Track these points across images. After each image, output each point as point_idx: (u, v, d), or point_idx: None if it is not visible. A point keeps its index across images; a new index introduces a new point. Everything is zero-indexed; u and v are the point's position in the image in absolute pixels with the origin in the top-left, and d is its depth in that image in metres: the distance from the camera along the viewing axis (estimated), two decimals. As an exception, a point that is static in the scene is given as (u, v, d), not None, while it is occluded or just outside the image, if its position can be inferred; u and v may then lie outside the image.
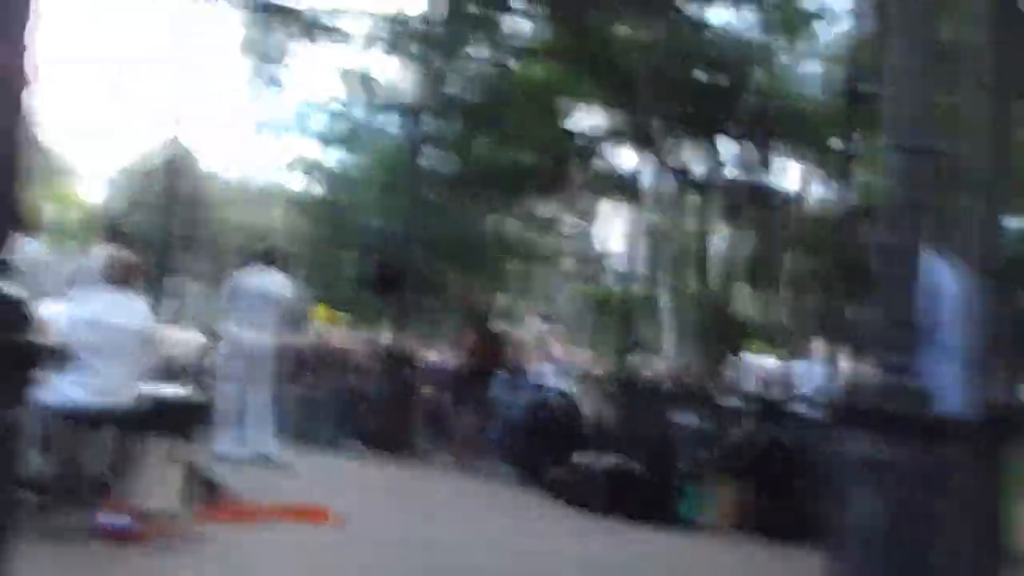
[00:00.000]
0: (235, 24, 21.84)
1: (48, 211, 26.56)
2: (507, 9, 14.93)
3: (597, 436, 10.22)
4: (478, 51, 19.67)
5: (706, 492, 8.88)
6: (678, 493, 8.83)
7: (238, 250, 11.54)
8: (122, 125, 75.95)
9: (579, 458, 9.42)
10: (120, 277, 6.97)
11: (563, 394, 11.79)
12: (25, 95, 2.89)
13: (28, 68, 2.88)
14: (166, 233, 14.23)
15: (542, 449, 10.15)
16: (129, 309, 6.86)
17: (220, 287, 10.80)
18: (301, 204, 28.93)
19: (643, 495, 8.69)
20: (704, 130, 18.98)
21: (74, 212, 38.51)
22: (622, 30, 16.87)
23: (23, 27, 2.88)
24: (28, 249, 8.58)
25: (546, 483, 9.56)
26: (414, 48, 14.13)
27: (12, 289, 2.92)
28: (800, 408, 10.18)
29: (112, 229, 10.34)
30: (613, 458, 9.20)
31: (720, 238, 21.50)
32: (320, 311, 28.12)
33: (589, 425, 10.57)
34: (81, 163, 42.64)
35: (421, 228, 13.54)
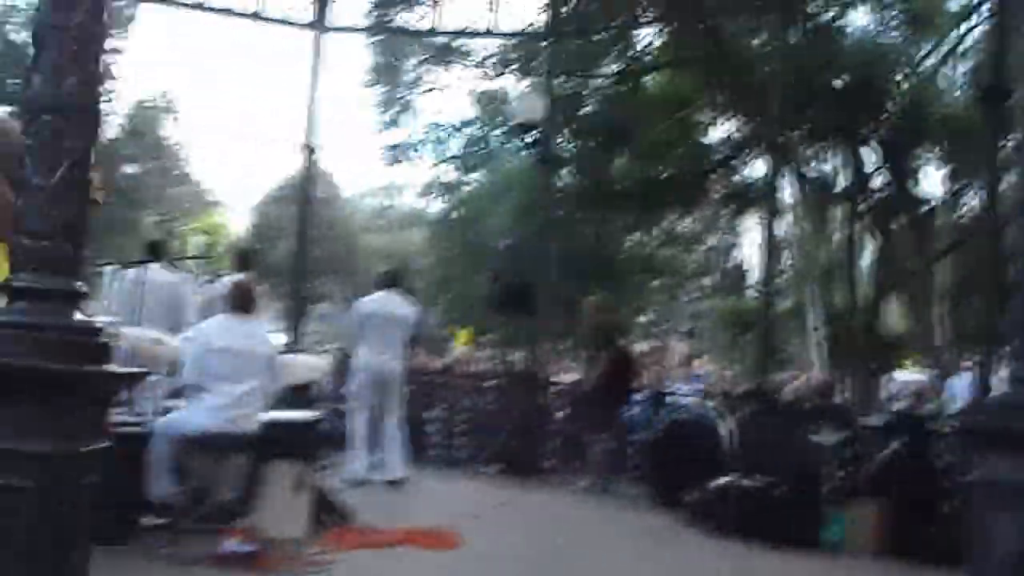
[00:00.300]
0: (366, 50, 22.05)
1: (197, 241, 27.36)
2: (636, 23, 14.71)
3: (736, 456, 9.83)
4: (608, 67, 19.51)
5: (850, 514, 8.43)
6: (821, 516, 8.41)
7: (367, 274, 11.59)
8: (263, 154, 78.09)
9: (717, 480, 9.08)
10: (243, 304, 7.01)
11: (700, 413, 11.46)
12: (98, 122, 2.79)
13: (100, 96, 2.78)
14: (303, 259, 14.32)
15: (678, 470, 9.80)
16: (253, 335, 6.90)
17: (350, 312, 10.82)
18: (437, 227, 29.08)
19: (784, 518, 8.29)
20: (845, 138, 18.41)
21: (221, 241, 39.61)
22: (755, 38, 16.50)
23: (96, 55, 2.79)
24: (161, 278, 8.77)
25: (683, 506, 9.24)
26: (543, 66, 13.99)
27: (87, 318, 2.81)
28: (950, 426, 9.63)
29: (241, 256, 10.47)
30: (753, 479, 8.83)
31: (865, 249, 20.83)
32: (457, 333, 28.26)
33: (727, 445, 10.17)
34: (227, 193, 43.83)
35: (553, 247, 13.39)
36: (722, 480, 9.02)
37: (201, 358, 6.68)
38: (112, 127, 32.81)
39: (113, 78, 31.85)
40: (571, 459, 11.64)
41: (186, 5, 13.25)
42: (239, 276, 9.61)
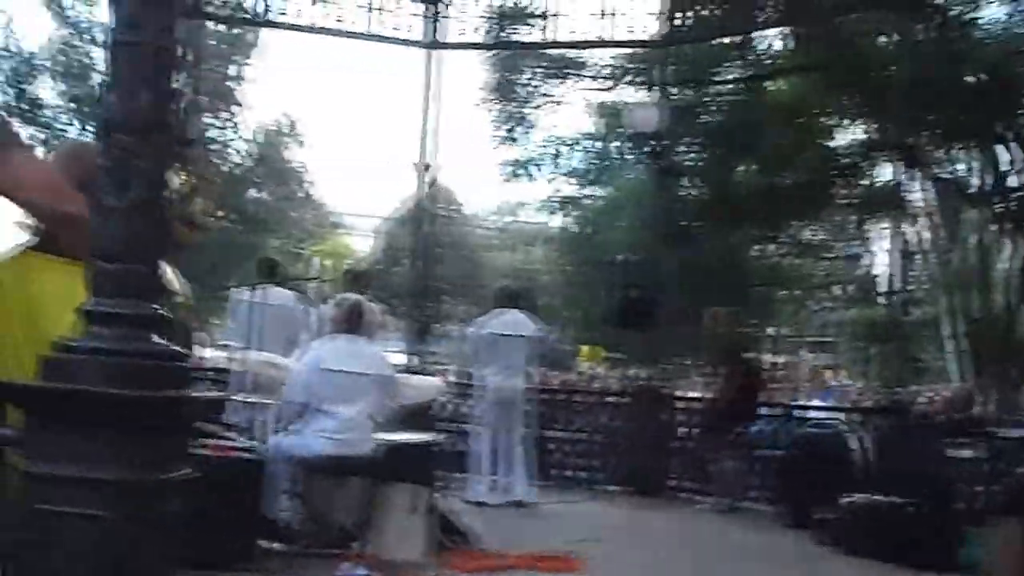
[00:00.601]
0: (480, 66, 21.97)
1: (319, 264, 27.68)
2: (755, 26, 14.32)
3: (869, 473, 9.40)
4: (728, 73, 19.10)
5: (990, 535, 7.93)
6: (959, 537, 7.93)
7: (491, 293, 11.46)
8: (385, 174, 79.24)
9: (850, 498, 8.66)
10: (354, 324, 6.94)
11: (831, 428, 11.05)
12: (172, 141, 2.66)
13: (174, 114, 2.65)
14: (425, 278, 14.30)
15: (809, 488, 9.41)
16: (364, 356, 6.82)
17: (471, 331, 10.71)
18: (559, 242, 28.90)
19: (920, 539, 7.85)
20: (978, 137, 17.65)
21: (346, 263, 40.13)
22: (880, 37, 15.94)
23: (169, 72, 2.67)
24: (276, 300, 8.76)
25: (814, 525, 8.85)
26: (660, 75, 13.72)
27: (166, 344, 2.69)
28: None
29: (354, 277, 10.44)
30: (887, 498, 8.40)
31: (1004, 253, 19.96)
32: (582, 349, 28.05)
33: (860, 461, 9.74)
34: (351, 214, 44.39)
35: (675, 260, 13.10)
36: (855, 498, 8.62)
37: (311, 380, 6.62)
38: (238, 153, 33.54)
39: (238, 104, 32.61)
40: (698, 477, 11.30)
41: (300, 28, 13.31)
42: (351, 296, 9.62)
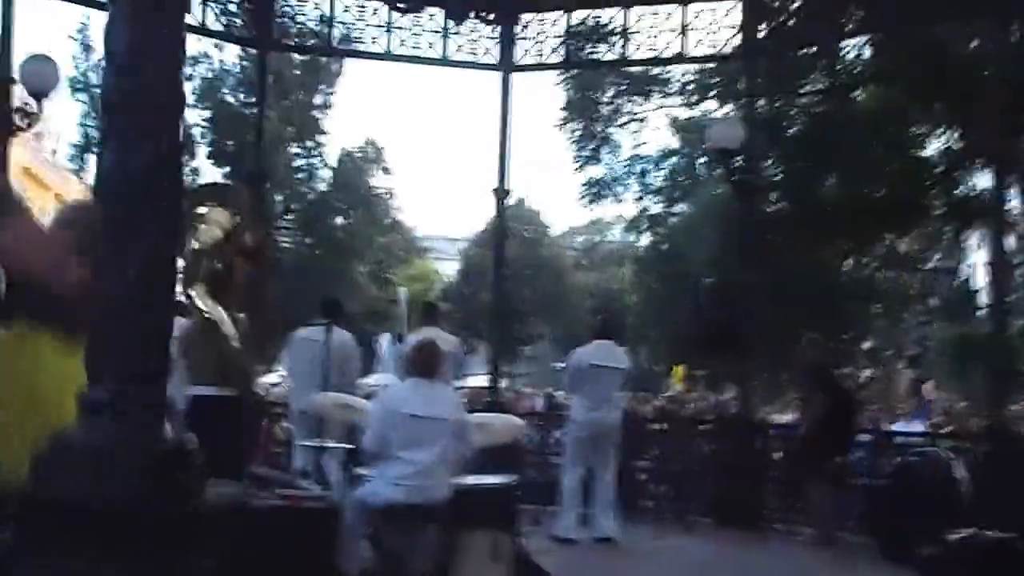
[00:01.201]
0: (559, 86, 21.83)
1: (407, 290, 27.68)
2: (837, 35, 13.88)
3: (976, 504, 8.90)
4: (813, 84, 18.63)
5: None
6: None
7: (577, 313, 11.22)
8: (467, 197, 79.64)
9: (955, 532, 8.18)
10: (427, 367, 6.74)
11: (933, 453, 10.54)
12: (179, 204, 2.39)
13: (180, 173, 2.40)
14: (510, 299, 14.09)
15: (910, 520, 8.93)
16: (438, 400, 6.60)
17: (565, 356, 10.49)
18: (644, 261, 28.53)
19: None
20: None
21: (431, 288, 40.22)
22: (971, 42, 15.40)
23: (173, 125, 2.41)
24: (336, 338, 8.58)
25: (917, 561, 8.36)
26: (742, 89, 13.36)
27: (178, 436, 2.41)
28: None
29: (427, 312, 10.27)
30: (997, 532, 7.91)
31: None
32: (675, 372, 27.58)
33: (966, 491, 9.24)
34: (436, 237, 44.52)
35: (762, 277, 12.71)
36: (962, 532, 8.13)
37: (384, 425, 6.43)
38: (324, 181, 33.82)
39: (324, 132, 32.89)
40: (793, 508, 10.88)
41: (378, 56, 13.25)
42: (427, 338, 9.41)
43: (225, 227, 7.84)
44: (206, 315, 7.45)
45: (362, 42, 13.20)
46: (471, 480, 6.82)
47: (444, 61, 13.01)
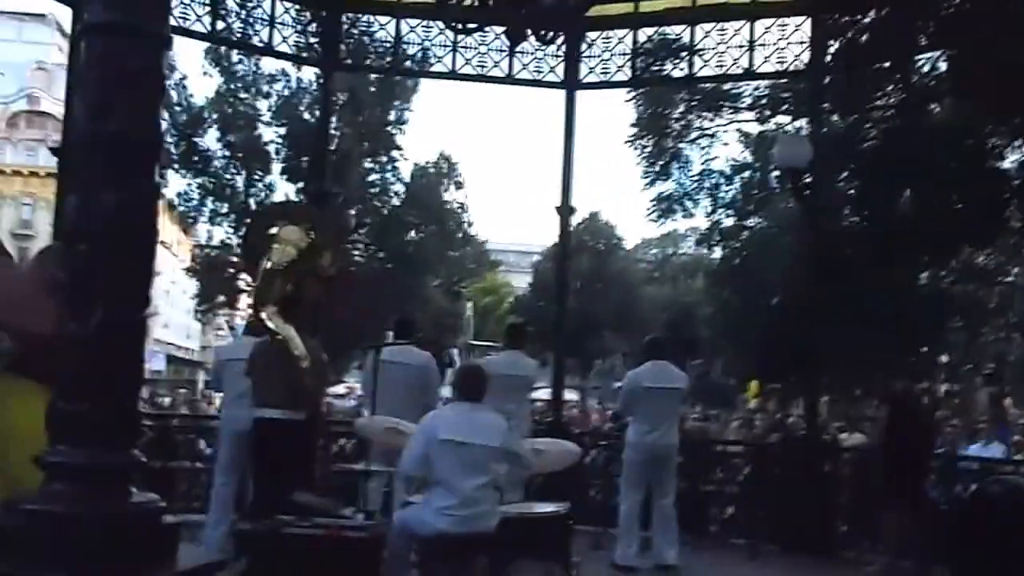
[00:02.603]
0: (629, 103, 21.70)
1: (479, 303, 27.73)
2: (908, 51, 13.61)
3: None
4: (887, 99, 18.33)
5: None
6: None
7: (651, 328, 11.02)
8: (540, 211, 79.69)
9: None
10: (474, 391, 6.57)
11: (1016, 480, 10.20)
12: (152, 251, 2.28)
13: (151, 220, 2.28)
14: (582, 316, 14.00)
15: (990, 549, 8.64)
16: (485, 425, 6.38)
17: (624, 381, 10.28)
18: (716, 275, 28.25)
19: None
20: None
21: (503, 302, 40.30)
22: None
23: (147, 167, 2.30)
24: (408, 359, 8.51)
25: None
26: (813, 104, 13.13)
27: (146, 500, 2.29)
28: None
29: (513, 332, 10.09)
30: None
31: None
32: (751, 388, 27.27)
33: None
34: (508, 250, 44.55)
35: (836, 292, 12.49)
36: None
37: (427, 450, 6.23)
38: (397, 196, 34.02)
39: (398, 148, 33.10)
40: (865, 534, 10.60)
41: (442, 76, 13.30)
42: (510, 355, 9.29)
43: (299, 246, 7.86)
44: (277, 336, 7.47)
45: (430, 61, 13.24)
46: (522, 508, 6.73)
47: (509, 80, 12.99)
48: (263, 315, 7.68)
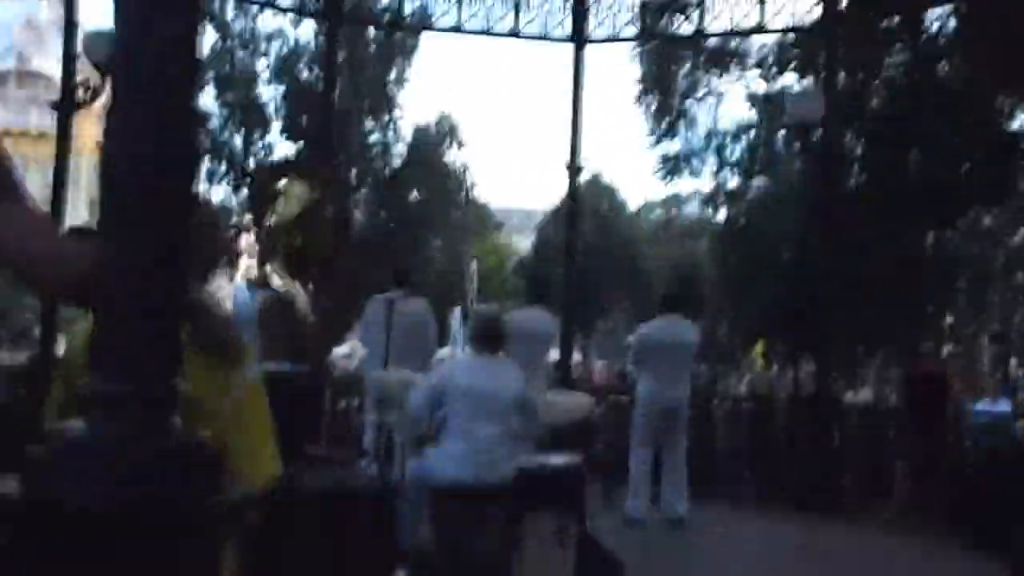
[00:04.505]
0: (635, 60, 21.49)
1: (482, 265, 27.61)
2: (919, 5, 13.43)
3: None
4: (895, 56, 18.14)
5: None
6: None
7: (653, 289, 10.88)
8: (544, 171, 79.51)
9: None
10: (489, 340, 6.47)
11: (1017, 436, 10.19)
12: (189, 200, 2.15)
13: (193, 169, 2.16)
14: (585, 277, 13.85)
15: (1002, 506, 8.58)
16: (500, 374, 6.31)
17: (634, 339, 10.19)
18: (721, 237, 28.11)
19: None
20: None
21: (506, 263, 40.13)
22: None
23: (185, 123, 2.14)
24: (407, 308, 8.46)
25: (1011, 550, 8.02)
26: (822, 62, 12.97)
27: (187, 434, 2.19)
28: None
29: (535, 284, 10.02)
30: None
31: None
32: (756, 349, 27.23)
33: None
34: (511, 211, 44.40)
35: (842, 253, 12.36)
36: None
37: (440, 398, 6.16)
38: (398, 156, 33.81)
39: (398, 107, 32.87)
40: (870, 490, 10.56)
41: (449, 30, 13.13)
42: (487, 310, 9.24)
43: (303, 202, 7.80)
44: (282, 290, 7.43)
45: (433, 16, 13.09)
46: (536, 460, 6.66)
47: (515, 34, 12.82)
48: (268, 270, 7.64)
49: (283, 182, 8.11)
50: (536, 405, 6.56)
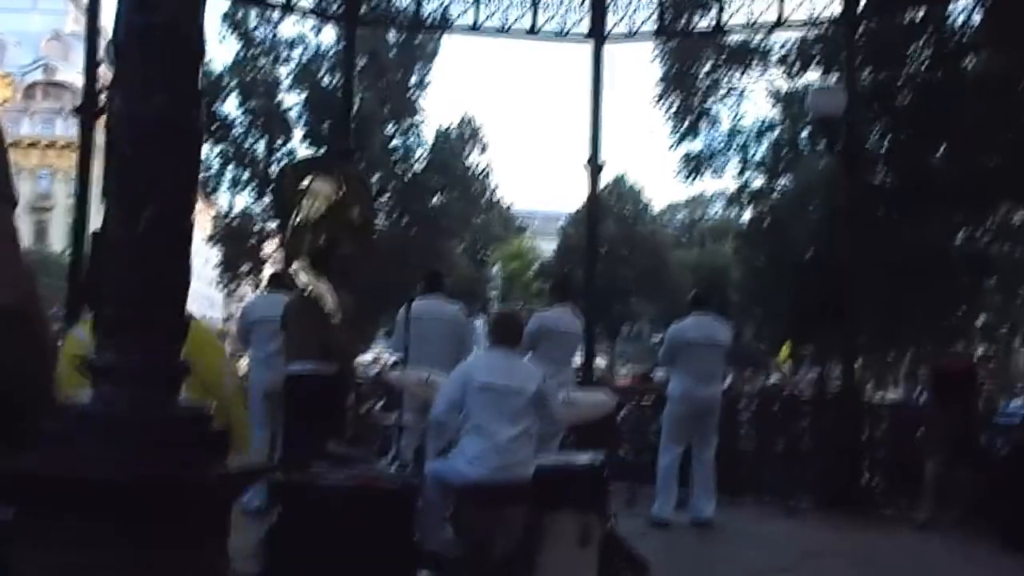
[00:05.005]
0: (655, 58, 21.26)
1: (505, 268, 27.52)
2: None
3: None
4: (920, 52, 17.87)
5: None
6: None
7: (679, 291, 10.66)
8: (566, 174, 79.40)
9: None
10: (509, 337, 6.32)
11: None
12: (197, 152, 2.29)
13: (197, 117, 2.26)
14: (592, 281, 13.54)
15: (1028, 505, 8.38)
16: (519, 372, 6.18)
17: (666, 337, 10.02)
18: (746, 237, 27.83)
19: None
20: None
21: (530, 267, 40.05)
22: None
23: (192, 65, 2.26)
24: (439, 311, 8.30)
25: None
26: (844, 57, 12.74)
27: (192, 406, 2.22)
28: None
29: (558, 285, 9.91)
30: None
31: None
32: (782, 349, 26.92)
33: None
34: (534, 215, 44.31)
35: (869, 252, 12.15)
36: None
37: (461, 396, 6.04)
38: (420, 160, 33.74)
39: (420, 111, 32.80)
40: (902, 491, 10.33)
41: (465, 30, 13.01)
42: (507, 308, 9.19)
43: (329, 201, 7.68)
44: (307, 290, 7.31)
45: (451, 16, 12.95)
46: (557, 459, 6.47)
47: (533, 33, 12.67)
48: (293, 269, 7.56)
49: (308, 180, 8.02)
50: (554, 402, 6.41)
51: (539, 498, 5.92)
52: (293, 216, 7.64)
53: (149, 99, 2.13)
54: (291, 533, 5.15)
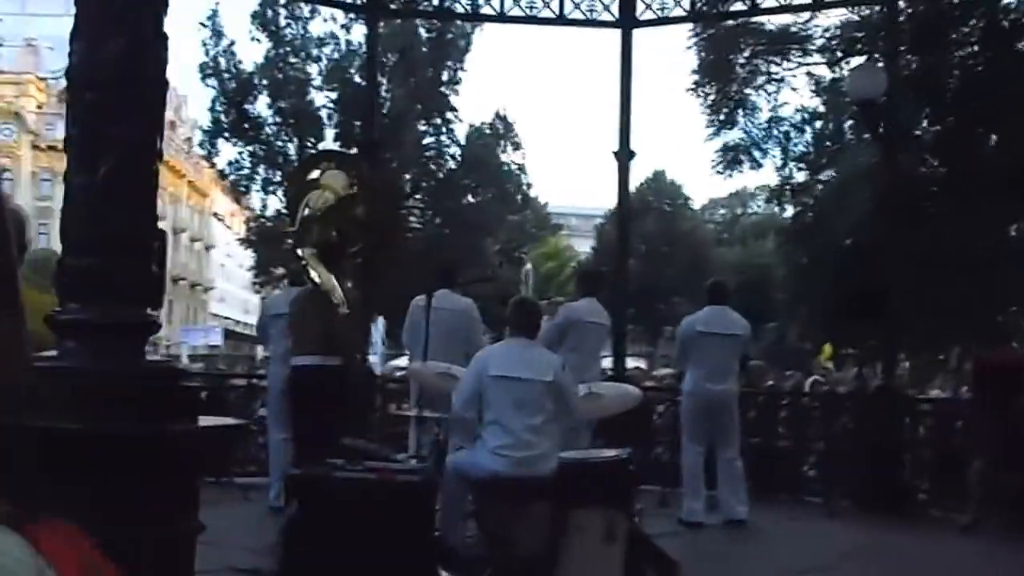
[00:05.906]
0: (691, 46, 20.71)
1: (540, 267, 27.12)
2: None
3: None
4: (970, 34, 17.23)
5: None
6: None
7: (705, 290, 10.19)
8: (601, 172, 79.05)
9: None
10: (528, 326, 6.21)
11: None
12: (159, 100, 2.26)
13: (158, 67, 2.25)
14: (649, 280, 13.09)
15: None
16: (538, 362, 6.02)
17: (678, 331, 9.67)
18: (788, 233, 27.18)
19: None
20: None
21: (566, 265, 39.63)
22: None
23: (153, 15, 2.26)
24: (450, 305, 8.03)
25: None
26: (888, 42, 12.21)
27: (159, 361, 2.74)
28: None
29: (585, 279, 9.65)
30: None
31: None
32: (823, 350, 26.31)
33: None
34: (569, 213, 43.95)
35: (912, 244, 11.63)
36: None
37: (479, 388, 5.92)
38: (451, 158, 33.42)
39: (453, 109, 32.47)
40: (944, 489, 9.85)
41: (491, 18, 12.64)
42: (525, 296, 8.92)
43: (339, 193, 7.48)
44: (316, 282, 7.13)
45: (480, 5, 12.58)
46: (582, 453, 6.22)
47: (561, 20, 12.24)
48: (301, 258, 7.45)
49: (317, 172, 7.89)
50: (571, 392, 6.22)
51: (562, 493, 5.67)
52: (302, 206, 7.49)
53: (107, 43, 2.13)
54: (308, 528, 5.08)
